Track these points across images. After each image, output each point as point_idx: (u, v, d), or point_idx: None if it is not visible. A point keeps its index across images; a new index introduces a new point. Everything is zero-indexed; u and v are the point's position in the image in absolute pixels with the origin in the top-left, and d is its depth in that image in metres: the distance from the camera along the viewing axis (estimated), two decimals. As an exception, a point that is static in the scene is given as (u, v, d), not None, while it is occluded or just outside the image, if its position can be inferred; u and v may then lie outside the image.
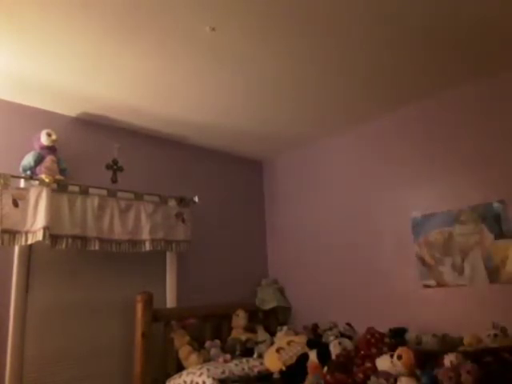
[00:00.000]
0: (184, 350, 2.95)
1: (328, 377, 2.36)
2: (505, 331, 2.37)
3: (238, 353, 3.06)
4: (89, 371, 2.81)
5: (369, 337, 2.59)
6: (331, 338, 2.82)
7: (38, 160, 2.70)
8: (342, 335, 2.87)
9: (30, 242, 2.54)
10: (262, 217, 4.21)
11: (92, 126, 3.17)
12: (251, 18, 2.14)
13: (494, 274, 2.62)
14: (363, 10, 2.11)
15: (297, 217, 3.90)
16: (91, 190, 2.89)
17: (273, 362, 2.83)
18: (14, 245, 2.54)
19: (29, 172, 2.69)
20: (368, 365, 2.36)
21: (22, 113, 2.87)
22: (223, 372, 2.67)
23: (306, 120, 3.40)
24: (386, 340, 2.57)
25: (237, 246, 3.88)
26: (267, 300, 3.66)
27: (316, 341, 2.91)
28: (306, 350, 2.78)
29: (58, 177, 2.74)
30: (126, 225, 3.00)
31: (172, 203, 3.32)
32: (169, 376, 2.87)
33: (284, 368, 2.66)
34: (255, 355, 3.02)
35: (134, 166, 3.34)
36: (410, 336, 2.67)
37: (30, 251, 2.71)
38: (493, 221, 2.67)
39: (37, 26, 2.12)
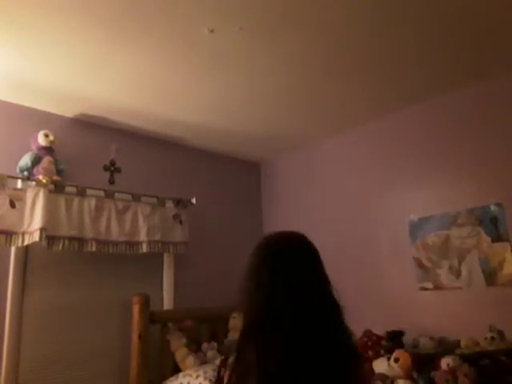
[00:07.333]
0: (181, 353, 2.94)
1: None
2: (502, 334, 2.37)
3: (235, 355, 3.05)
4: (85, 373, 2.79)
5: (366, 339, 2.59)
6: (328, 340, 2.81)
7: (36, 161, 2.70)
8: (339, 338, 2.86)
9: (26, 242, 2.53)
10: (259, 218, 4.20)
11: (90, 126, 3.16)
12: (249, 20, 2.14)
13: (491, 276, 2.62)
14: (362, 12, 2.11)
15: (294, 219, 3.90)
16: (88, 191, 2.89)
17: (270, 364, 2.82)
18: (10, 245, 2.53)
19: (26, 173, 2.68)
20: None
21: (20, 113, 2.86)
22: (220, 374, 2.66)
23: (303, 122, 3.40)
24: (383, 343, 2.57)
25: (234, 247, 3.87)
26: (264, 302, 3.65)
27: (313, 343, 2.91)
28: (303, 352, 2.77)
29: (55, 178, 2.74)
30: (123, 226, 2.99)
31: (169, 205, 3.32)
32: (165, 378, 2.86)
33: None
34: (252, 357, 3.01)
35: (131, 168, 3.33)
36: (407, 339, 2.67)
37: (26, 252, 2.70)
38: (490, 223, 2.67)
39: (35, 26, 2.11)
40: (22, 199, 2.58)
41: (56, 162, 2.79)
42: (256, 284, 1.14)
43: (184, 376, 2.72)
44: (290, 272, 1.13)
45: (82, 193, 2.85)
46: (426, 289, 2.91)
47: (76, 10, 2.01)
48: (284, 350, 1.02)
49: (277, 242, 1.23)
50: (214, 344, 3.11)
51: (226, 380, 1.11)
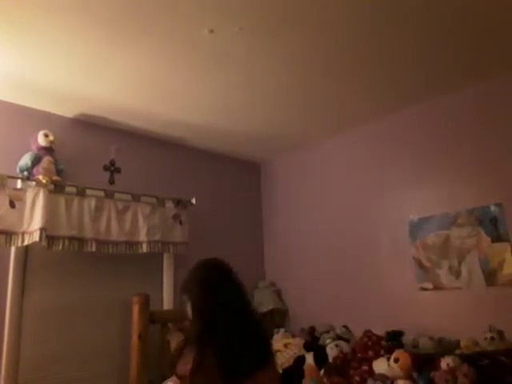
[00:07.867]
0: (180, 352, 2.94)
1: (325, 380, 2.36)
2: (501, 334, 2.38)
3: (234, 355, 3.04)
4: (85, 373, 2.79)
5: (366, 339, 2.59)
6: (328, 340, 2.82)
7: (35, 161, 2.70)
8: (339, 338, 2.87)
9: (26, 243, 2.53)
10: (259, 219, 4.20)
11: (90, 127, 3.16)
12: (249, 20, 2.14)
13: (490, 276, 2.62)
14: (362, 12, 2.11)
15: (294, 219, 3.90)
16: (88, 191, 2.88)
17: (269, 364, 2.82)
18: (10, 245, 2.53)
19: (26, 173, 2.68)
20: (365, 368, 2.36)
21: (20, 113, 2.86)
22: (220, 374, 2.66)
23: (303, 122, 3.40)
24: (383, 343, 2.57)
25: (234, 248, 3.86)
26: (264, 302, 3.65)
27: (313, 343, 2.91)
28: (303, 352, 2.78)
29: (55, 178, 2.74)
30: (123, 226, 2.99)
31: (169, 205, 3.31)
32: (165, 378, 2.86)
33: (281, 371, 2.66)
34: (252, 358, 3.01)
35: (131, 168, 3.33)
36: (407, 339, 2.67)
37: (26, 252, 2.70)
38: (490, 224, 2.67)
39: (35, 26, 2.12)
40: (21, 199, 2.58)
41: (56, 162, 2.79)
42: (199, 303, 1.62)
43: (184, 376, 2.72)
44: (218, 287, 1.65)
45: (81, 193, 2.85)
46: (425, 289, 2.91)
47: (76, 10, 2.01)
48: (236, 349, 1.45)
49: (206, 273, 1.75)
50: (214, 344, 3.10)
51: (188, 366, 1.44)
